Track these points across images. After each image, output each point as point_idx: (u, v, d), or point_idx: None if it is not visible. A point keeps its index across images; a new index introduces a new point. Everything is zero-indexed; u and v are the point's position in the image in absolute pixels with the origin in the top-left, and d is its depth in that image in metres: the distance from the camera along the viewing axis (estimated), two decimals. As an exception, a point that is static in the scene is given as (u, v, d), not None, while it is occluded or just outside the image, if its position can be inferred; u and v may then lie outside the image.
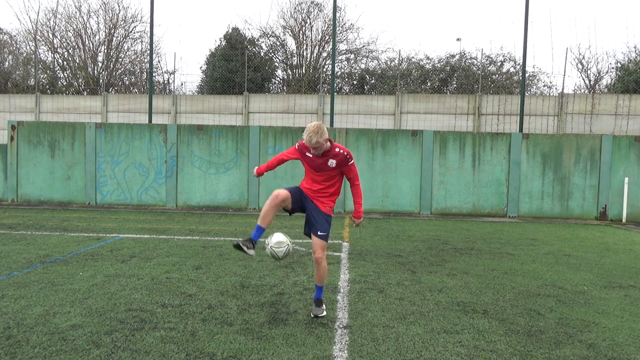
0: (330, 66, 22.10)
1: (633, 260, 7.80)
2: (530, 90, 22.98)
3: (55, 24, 27.06)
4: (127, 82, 27.39)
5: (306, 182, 4.58)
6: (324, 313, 4.48)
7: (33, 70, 25.96)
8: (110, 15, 26.88)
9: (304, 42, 25.99)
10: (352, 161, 4.48)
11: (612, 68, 23.24)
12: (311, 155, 4.45)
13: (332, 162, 4.42)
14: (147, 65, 24.40)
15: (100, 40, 27.14)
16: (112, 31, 26.78)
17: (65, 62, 27.37)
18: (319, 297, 4.58)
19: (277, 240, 4.32)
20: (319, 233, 4.41)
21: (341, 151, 4.43)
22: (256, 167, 4.78)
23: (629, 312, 4.93)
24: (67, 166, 14.61)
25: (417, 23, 42.73)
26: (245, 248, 4.23)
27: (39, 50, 27.00)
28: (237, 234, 9.53)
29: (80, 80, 26.92)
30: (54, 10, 33.65)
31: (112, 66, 26.97)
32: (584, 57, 23.90)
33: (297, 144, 4.57)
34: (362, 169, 14.08)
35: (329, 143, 4.42)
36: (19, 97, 21.64)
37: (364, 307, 4.85)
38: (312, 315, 4.45)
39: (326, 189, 4.51)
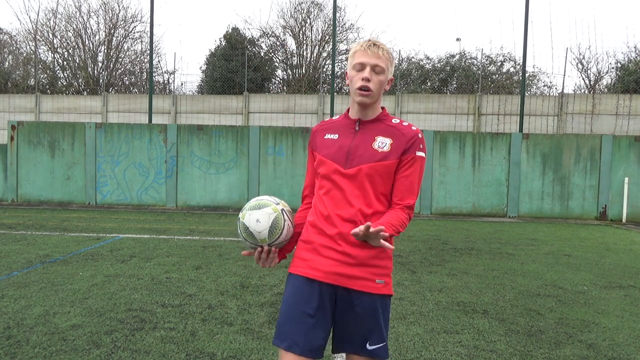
0: (330, 66, 22.08)
1: (633, 260, 7.79)
2: (530, 90, 22.97)
3: (55, 24, 27.07)
4: (127, 82, 27.39)
5: (319, 215, 2.08)
6: None
7: (33, 70, 25.95)
8: (110, 15, 26.89)
9: (304, 42, 26.00)
10: (423, 148, 2.08)
11: (612, 68, 23.23)
12: (336, 137, 2.12)
13: (383, 143, 2.05)
14: (147, 65, 24.39)
15: (100, 40, 27.15)
16: (112, 31, 26.78)
17: (65, 62, 27.36)
18: None
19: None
20: (368, 347, 2.04)
21: (405, 124, 2.10)
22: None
23: (629, 312, 4.93)
24: (67, 166, 14.60)
25: (417, 23, 42.71)
26: None
27: (39, 50, 27.01)
28: (237, 233, 9.52)
29: (80, 80, 26.92)
30: (54, 10, 33.69)
31: (112, 66, 26.96)
32: (584, 57, 23.86)
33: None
34: (362, 169, 14.08)
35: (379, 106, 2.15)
36: (19, 97, 21.63)
37: (364, 307, 4.84)
38: None
39: (369, 219, 2.01)
